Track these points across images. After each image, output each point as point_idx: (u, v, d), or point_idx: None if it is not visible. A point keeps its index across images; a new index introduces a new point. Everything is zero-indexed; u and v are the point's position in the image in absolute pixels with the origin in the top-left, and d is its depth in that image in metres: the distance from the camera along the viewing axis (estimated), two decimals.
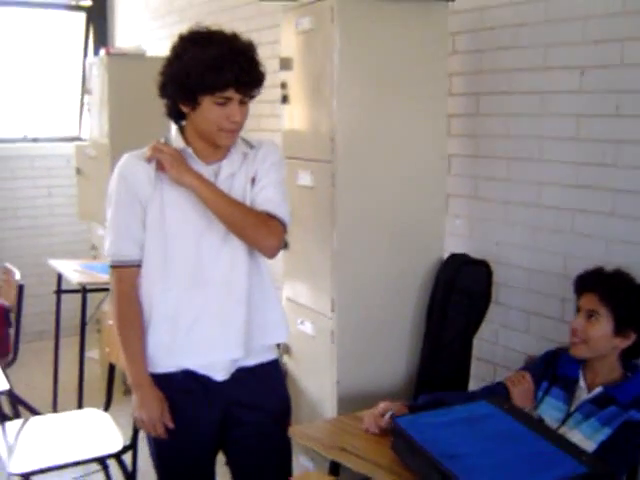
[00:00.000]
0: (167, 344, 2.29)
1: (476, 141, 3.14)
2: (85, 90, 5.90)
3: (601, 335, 2.26)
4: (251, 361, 2.35)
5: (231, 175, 2.30)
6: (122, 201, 2.27)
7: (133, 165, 2.27)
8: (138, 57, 5.30)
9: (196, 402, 2.33)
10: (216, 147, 2.26)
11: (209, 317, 2.28)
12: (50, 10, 6.78)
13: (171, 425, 2.27)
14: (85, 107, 6.11)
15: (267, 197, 2.31)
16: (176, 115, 2.29)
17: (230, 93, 2.15)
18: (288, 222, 2.33)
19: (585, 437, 2.18)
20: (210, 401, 2.33)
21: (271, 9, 3.62)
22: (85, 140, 6.22)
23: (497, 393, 2.35)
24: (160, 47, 5.62)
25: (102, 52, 5.32)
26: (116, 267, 2.30)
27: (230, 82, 2.14)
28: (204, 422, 2.36)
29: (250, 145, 2.35)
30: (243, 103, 2.21)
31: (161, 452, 2.40)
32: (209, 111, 2.18)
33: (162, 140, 2.31)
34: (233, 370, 2.33)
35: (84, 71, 6.36)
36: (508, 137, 2.99)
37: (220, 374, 2.32)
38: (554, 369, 2.41)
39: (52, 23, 6.77)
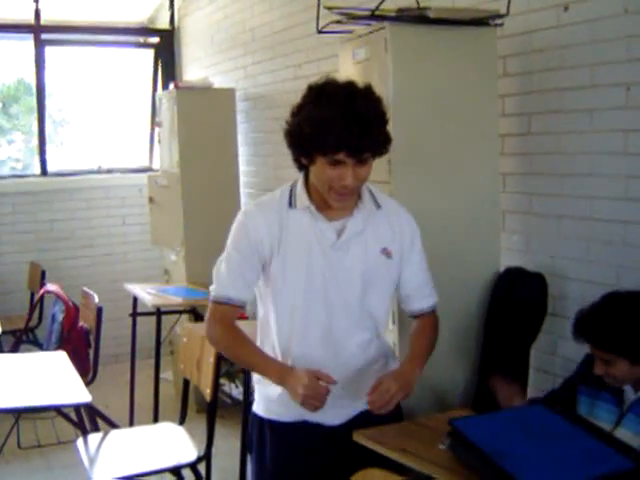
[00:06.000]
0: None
1: (529, 159, 3.23)
2: (155, 122, 6.12)
3: (623, 373, 2.27)
4: None
5: (356, 234, 2.28)
6: (242, 249, 2.29)
7: (258, 219, 2.28)
8: (205, 90, 5.52)
9: (317, 448, 2.37)
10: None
11: (339, 369, 2.29)
12: (121, 48, 7.10)
13: (332, 379, 2.16)
14: (156, 139, 6.33)
15: (429, 293, 2.46)
16: (299, 165, 2.28)
17: (341, 156, 2.09)
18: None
19: None
20: (330, 445, 2.37)
21: (330, 40, 3.78)
22: (156, 170, 6.43)
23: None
24: (226, 79, 5.86)
25: (171, 86, 5.55)
26: (218, 303, 2.32)
27: (339, 146, 2.08)
28: (326, 464, 2.38)
29: (377, 203, 2.33)
30: (360, 164, 2.14)
31: None
32: (321, 170, 2.15)
33: (288, 186, 2.33)
34: (353, 414, 2.38)
35: (154, 104, 6.60)
36: (559, 154, 3.07)
37: (340, 419, 2.37)
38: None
39: (123, 60, 7.07)
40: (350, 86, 2.16)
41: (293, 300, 2.29)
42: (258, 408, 2.45)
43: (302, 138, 2.14)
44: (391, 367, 2.44)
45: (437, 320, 2.50)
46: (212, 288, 2.35)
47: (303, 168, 2.28)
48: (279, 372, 2.24)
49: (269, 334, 2.38)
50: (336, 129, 2.05)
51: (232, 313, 2.34)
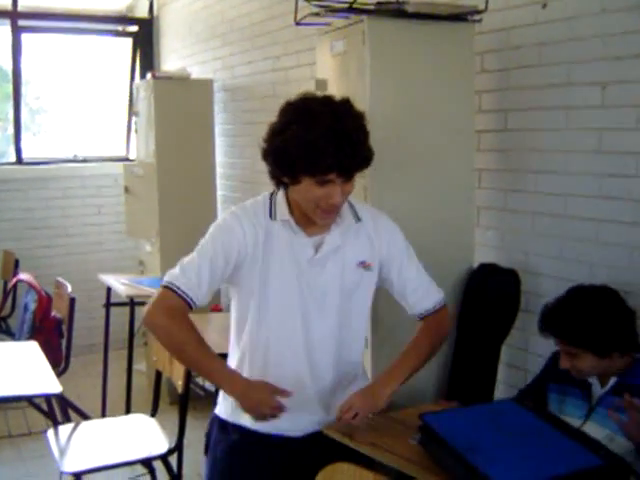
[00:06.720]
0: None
1: (505, 155, 3.24)
2: (132, 112, 6.09)
3: (589, 365, 2.31)
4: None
5: (333, 250, 2.24)
6: (214, 249, 2.20)
7: (245, 223, 2.21)
8: (183, 80, 5.49)
9: (279, 459, 2.33)
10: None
11: (313, 381, 2.30)
12: (99, 36, 7.04)
13: (288, 393, 2.15)
14: (132, 128, 6.30)
15: (425, 294, 2.39)
16: (277, 182, 2.21)
17: (332, 176, 2.05)
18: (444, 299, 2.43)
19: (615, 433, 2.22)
20: (291, 456, 2.33)
21: (309, 32, 3.77)
22: (132, 160, 6.41)
23: None
24: (203, 70, 5.83)
25: (148, 75, 5.51)
26: (172, 291, 2.17)
27: (332, 167, 2.03)
28: (283, 475, 2.34)
29: (357, 216, 2.29)
30: (347, 181, 2.11)
31: None
32: (308, 190, 2.10)
33: (268, 195, 2.28)
34: (318, 428, 2.31)
35: (131, 94, 6.55)
36: (535, 151, 3.08)
37: (303, 432, 2.32)
38: (562, 369, 2.44)
39: (101, 49, 7.02)
40: (331, 103, 2.11)
41: (273, 311, 2.24)
42: (221, 411, 2.40)
43: (289, 160, 2.07)
44: (359, 384, 2.39)
45: (441, 319, 2.44)
46: (170, 272, 2.22)
47: (282, 185, 2.21)
48: (232, 381, 2.20)
49: (245, 344, 2.32)
50: (329, 151, 2.01)
51: (182, 308, 2.18)
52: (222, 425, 2.39)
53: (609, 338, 2.29)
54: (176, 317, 2.17)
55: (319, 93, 2.20)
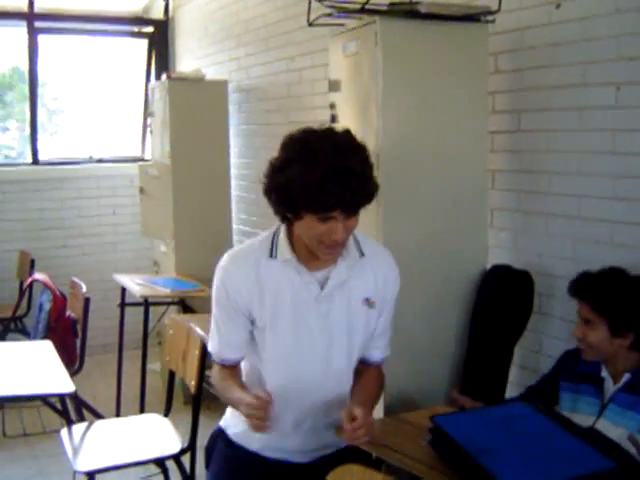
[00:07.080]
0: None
1: (519, 156, 3.23)
2: (148, 113, 6.10)
3: (600, 340, 2.35)
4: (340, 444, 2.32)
5: (339, 285, 2.23)
6: (224, 307, 2.27)
7: (234, 274, 2.24)
8: (198, 81, 5.50)
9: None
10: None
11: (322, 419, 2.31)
12: (114, 37, 7.07)
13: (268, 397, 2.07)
14: (148, 129, 6.31)
15: (385, 345, 2.40)
16: (282, 217, 2.19)
17: (335, 213, 2.03)
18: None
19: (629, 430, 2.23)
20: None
21: (323, 33, 3.77)
22: (148, 160, 6.41)
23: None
24: (219, 71, 5.84)
25: (164, 76, 5.52)
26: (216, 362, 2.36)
27: (335, 205, 2.00)
28: None
29: (361, 251, 2.26)
30: (350, 217, 2.08)
31: None
32: (311, 227, 2.07)
33: (271, 233, 2.27)
34: (320, 455, 2.34)
35: (147, 95, 6.56)
36: (549, 152, 3.07)
37: (307, 459, 2.35)
38: (576, 367, 2.48)
39: (117, 50, 7.04)
40: (332, 138, 2.07)
41: (285, 351, 2.24)
42: (227, 427, 2.44)
43: (291, 198, 2.05)
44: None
45: (383, 374, 2.45)
46: (211, 345, 2.37)
47: (287, 220, 2.20)
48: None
49: (258, 383, 2.33)
50: (335, 191, 1.97)
51: (229, 367, 2.35)
52: (229, 442, 2.42)
53: (629, 314, 2.32)
54: (222, 371, 2.35)
55: (319, 126, 2.14)
